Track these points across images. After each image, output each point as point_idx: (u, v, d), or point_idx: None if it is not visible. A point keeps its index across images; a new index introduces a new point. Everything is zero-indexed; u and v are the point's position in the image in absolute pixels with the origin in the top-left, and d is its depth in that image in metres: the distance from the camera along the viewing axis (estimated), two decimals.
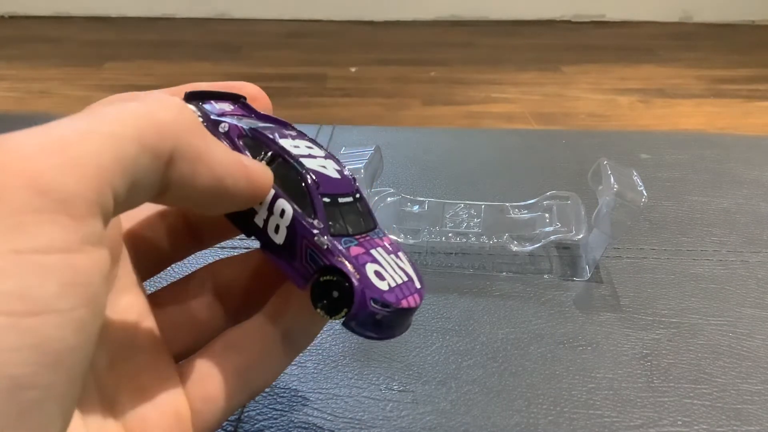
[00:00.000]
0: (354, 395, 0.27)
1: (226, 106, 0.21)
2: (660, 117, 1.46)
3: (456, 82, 1.64)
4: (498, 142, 0.50)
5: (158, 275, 0.22)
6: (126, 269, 0.20)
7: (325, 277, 0.18)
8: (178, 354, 0.20)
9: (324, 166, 0.20)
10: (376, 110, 1.45)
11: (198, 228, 0.22)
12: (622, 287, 0.33)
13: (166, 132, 0.16)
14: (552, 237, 0.34)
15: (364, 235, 0.20)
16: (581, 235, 0.34)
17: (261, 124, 0.20)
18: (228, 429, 0.25)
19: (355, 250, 0.19)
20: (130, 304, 0.20)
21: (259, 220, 0.19)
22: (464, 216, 0.36)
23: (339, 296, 0.18)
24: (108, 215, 0.14)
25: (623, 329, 0.30)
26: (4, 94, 1.52)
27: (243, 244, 0.34)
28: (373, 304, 0.18)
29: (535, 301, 0.32)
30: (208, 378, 0.19)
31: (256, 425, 0.25)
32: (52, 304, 0.13)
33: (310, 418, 0.25)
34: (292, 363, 0.28)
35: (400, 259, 0.20)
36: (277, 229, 0.19)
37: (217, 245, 0.23)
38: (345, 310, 0.18)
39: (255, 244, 0.19)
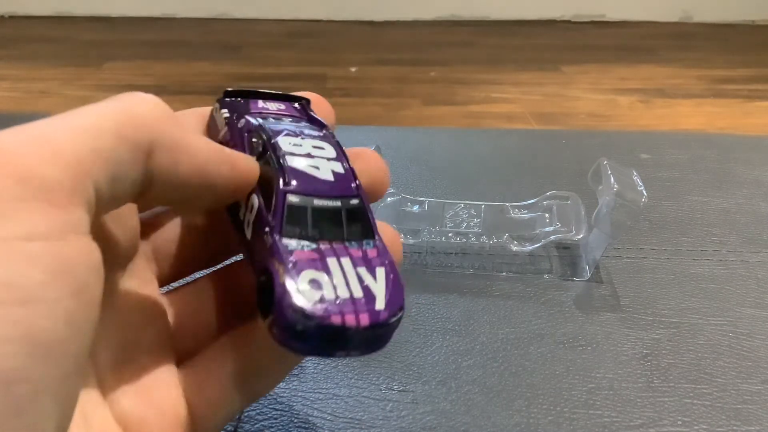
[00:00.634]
0: (354, 395, 0.27)
1: (275, 106, 0.21)
2: (660, 117, 1.46)
3: (456, 82, 1.64)
4: (498, 142, 0.50)
5: None
6: (140, 268, 0.20)
7: (260, 278, 0.18)
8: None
9: (317, 167, 0.19)
10: (376, 110, 1.45)
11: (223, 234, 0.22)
12: (622, 287, 0.33)
13: (142, 124, 0.16)
14: (552, 237, 0.34)
15: (333, 242, 0.18)
16: (581, 235, 0.34)
17: (285, 124, 0.20)
18: (228, 429, 0.25)
19: (304, 255, 0.17)
20: (140, 304, 0.19)
21: (240, 215, 0.19)
22: (464, 216, 0.36)
23: (266, 299, 0.17)
24: (91, 207, 0.14)
25: (623, 329, 0.30)
26: (4, 94, 1.52)
27: None
28: (292, 313, 0.16)
29: (535, 301, 0.32)
30: (207, 381, 0.19)
31: (256, 425, 0.25)
32: (38, 293, 0.13)
33: (310, 418, 0.25)
34: None
35: (372, 275, 0.18)
36: (248, 224, 0.19)
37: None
38: (270, 315, 0.17)
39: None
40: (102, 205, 0.15)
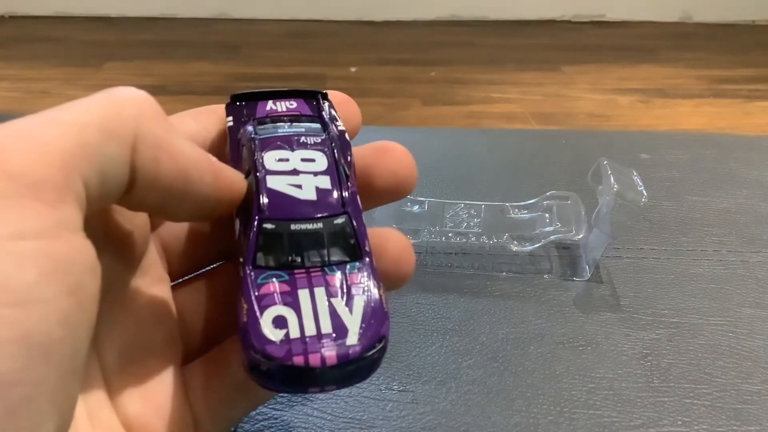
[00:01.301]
0: (354, 395, 0.27)
1: (285, 105, 0.21)
2: (660, 117, 1.46)
3: (456, 82, 1.64)
4: (498, 142, 0.50)
5: None
6: (152, 265, 0.20)
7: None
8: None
9: (299, 185, 0.18)
10: (376, 110, 1.45)
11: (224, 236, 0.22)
12: (622, 287, 0.33)
13: (127, 116, 0.15)
14: (552, 237, 0.34)
15: (311, 269, 0.17)
16: (581, 235, 0.34)
17: (282, 131, 0.19)
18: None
19: (273, 288, 0.17)
20: (151, 304, 0.19)
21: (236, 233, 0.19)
22: (464, 216, 0.36)
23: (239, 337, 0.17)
24: (82, 204, 0.14)
25: (623, 329, 0.30)
26: (4, 94, 1.52)
27: None
28: (254, 354, 0.16)
29: (535, 301, 0.32)
30: (207, 387, 0.19)
31: (256, 425, 0.25)
32: (33, 294, 0.12)
33: (310, 418, 0.25)
34: None
35: (348, 307, 0.17)
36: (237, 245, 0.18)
37: None
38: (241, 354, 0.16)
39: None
40: (93, 201, 0.15)
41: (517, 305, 0.32)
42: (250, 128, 0.19)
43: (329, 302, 0.17)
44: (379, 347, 0.17)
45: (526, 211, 0.36)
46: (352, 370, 0.16)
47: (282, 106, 0.21)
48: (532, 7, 2.18)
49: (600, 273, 0.34)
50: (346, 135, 0.20)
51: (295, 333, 0.16)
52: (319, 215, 0.18)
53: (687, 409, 0.26)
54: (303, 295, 0.17)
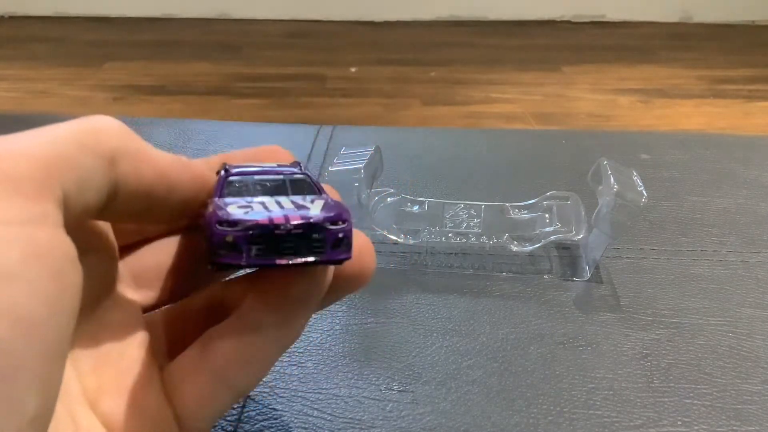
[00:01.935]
0: (354, 395, 0.27)
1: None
2: (660, 117, 1.46)
3: (456, 82, 1.64)
4: (498, 142, 0.50)
5: None
6: (118, 273, 0.20)
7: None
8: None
9: (262, 166, 0.20)
10: (376, 110, 1.45)
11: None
12: (622, 287, 0.33)
13: (103, 135, 0.16)
14: (552, 237, 0.34)
15: (273, 195, 0.19)
16: (581, 235, 0.34)
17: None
18: (228, 429, 0.25)
19: (236, 199, 0.18)
20: (117, 307, 0.20)
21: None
22: (464, 216, 0.36)
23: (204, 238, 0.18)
24: (61, 207, 0.15)
25: (623, 329, 0.30)
26: (4, 95, 1.52)
27: None
28: (219, 227, 0.17)
29: (535, 301, 0.32)
30: (186, 380, 0.19)
31: (256, 425, 0.25)
32: (17, 272, 0.13)
33: (310, 418, 0.25)
34: (292, 363, 0.28)
35: (309, 203, 0.18)
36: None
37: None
38: (207, 245, 0.17)
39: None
40: (72, 210, 0.15)
41: (517, 305, 0.32)
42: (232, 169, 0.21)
43: (291, 200, 0.18)
44: (342, 226, 0.18)
45: (526, 212, 0.36)
46: (318, 239, 0.17)
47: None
48: (532, 7, 2.18)
49: (600, 273, 0.34)
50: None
51: (258, 209, 0.17)
52: (280, 174, 0.20)
53: (687, 409, 0.26)
54: (267, 198, 0.18)
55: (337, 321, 0.31)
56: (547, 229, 0.35)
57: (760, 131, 1.41)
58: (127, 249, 0.21)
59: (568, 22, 2.20)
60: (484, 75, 1.69)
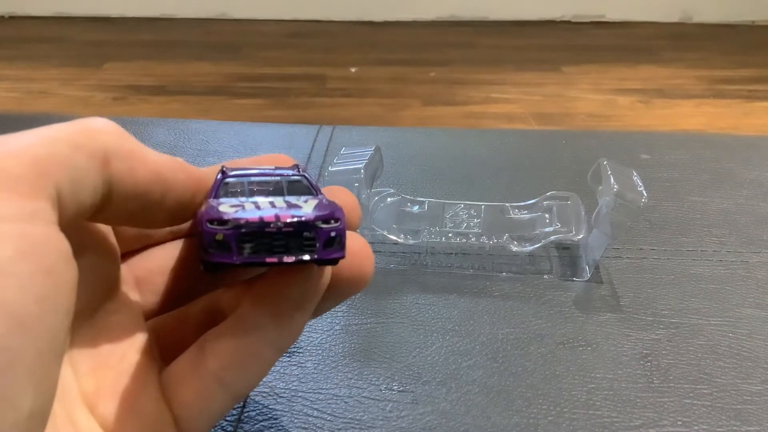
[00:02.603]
0: (354, 395, 0.27)
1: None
2: (660, 117, 1.46)
3: (456, 82, 1.64)
4: (498, 142, 0.50)
5: None
6: (121, 276, 0.20)
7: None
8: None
9: (261, 168, 0.20)
10: (376, 110, 1.45)
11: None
12: (622, 287, 0.33)
13: (96, 135, 0.16)
14: (552, 237, 0.34)
15: (268, 196, 0.19)
16: (581, 236, 0.34)
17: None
18: (228, 429, 0.25)
19: (230, 200, 0.18)
20: (119, 311, 0.20)
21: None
22: (464, 216, 0.36)
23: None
24: (55, 205, 0.15)
25: (623, 329, 0.30)
26: (4, 95, 1.52)
27: None
28: (209, 225, 0.17)
29: (535, 301, 0.32)
30: (184, 383, 0.19)
31: (256, 425, 0.25)
32: (8, 267, 0.13)
33: (310, 418, 0.25)
34: (292, 363, 0.28)
35: (302, 203, 0.18)
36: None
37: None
38: (199, 244, 0.17)
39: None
40: (66, 210, 0.15)
41: (517, 305, 0.32)
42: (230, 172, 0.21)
43: (285, 201, 0.18)
44: (334, 225, 0.17)
45: (526, 212, 0.36)
46: (310, 238, 0.17)
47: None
48: (532, 7, 2.18)
49: (600, 273, 0.34)
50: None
51: (250, 208, 0.17)
52: (277, 175, 0.20)
53: (687, 409, 0.26)
54: (260, 198, 0.18)
55: (337, 321, 0.31)
56: (547, 229, 0.35)
57: (760, 131, 1.41)
58: (130, 253, 0.21)
59: (568, 22, 2.19)
60: (484, 75, 1.69)
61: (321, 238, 0.17)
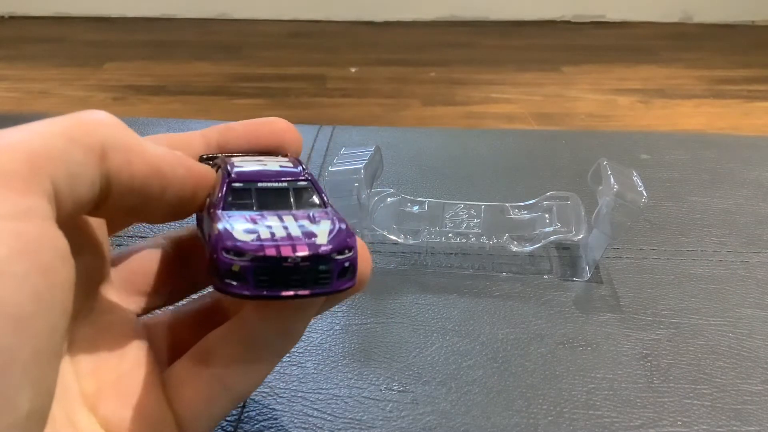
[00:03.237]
0: (354, 395, 0.27)
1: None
2: (660, 117, 1.46)
3: (456, 82, 1.64)
4: (498, 142, 0.50)
5: None
6: (110, 272, 0.20)
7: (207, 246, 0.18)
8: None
9: (264, 164, 0.20)
10: (375, 110, 1.45)
11: (193, 270, 0.22)
12: (622, 287, 0.33)
13: (92, 128, 0.16)
14: (552, 237, 0.34)
15: (278, 210, 0.18)
16: (581, 236, 0.34)
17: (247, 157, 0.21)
18: (228, 429, 0.25)
19: (243, 215, 0.18)
20: (113, 310, 0.20)
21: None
22: (464, 216, 0.36)
23: (208, 255, 0.17)
24: (51, 202, 0.15)
25: (623, 329, 0.30)
26: (4, 95, 1.52)
27: None
28: (225, 255, 0.16)
29: (535, 301, 0.32)
30: (186, 384, 0.19)
31: (256, 425, 0.25)
32: (3, 266, 0.13)
33: (310, 418, 0.25)
34: (292, 363, 0.28)
35: (314, 223, 0.18)
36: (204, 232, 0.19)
37: None
38: (211, 267, 0.17)
39: None
40: (64, 206, 0.15)
41: (517, 306, 0.32)
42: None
43: (297, 222, 0.18)
44: (348, 255, 0.17)
45: (526, 212, 0.36)
46: (325, 270, 0.17)
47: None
48: (532, 7, 2.18)
49: (600, 273, 0.34)
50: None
51: (265, 235, 0.17)
52: (284, 179, 0.19)
53: (687, 409, 0.26)
54: (271, 217, 0.18)
55: (337, 321, 0.31)
56: (547, 230, 0.35)
57: (760, 131, 1.41)
58: (120, 253, 0.21)
59: (568, 22, 2.19)
60: (484, 75, 1.69)
61: (336, 269, 0.17)
